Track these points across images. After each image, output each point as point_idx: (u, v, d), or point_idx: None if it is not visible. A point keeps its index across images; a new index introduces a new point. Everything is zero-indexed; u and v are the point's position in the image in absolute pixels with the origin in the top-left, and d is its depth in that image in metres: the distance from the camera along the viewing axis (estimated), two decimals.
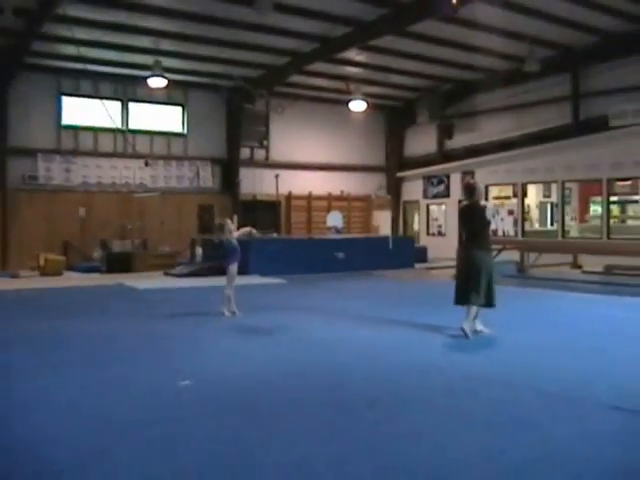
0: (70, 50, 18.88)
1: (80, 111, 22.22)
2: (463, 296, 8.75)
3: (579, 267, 19.37)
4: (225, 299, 10.81)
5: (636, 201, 23.27)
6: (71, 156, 21.93)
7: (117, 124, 22.29)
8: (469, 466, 4.32)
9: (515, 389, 6.11)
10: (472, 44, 19.45)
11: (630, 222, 23.50)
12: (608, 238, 20.68)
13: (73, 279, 17.92)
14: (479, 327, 8.76)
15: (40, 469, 4.31)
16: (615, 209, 23.32)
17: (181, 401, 5.80)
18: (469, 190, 9.07)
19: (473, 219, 8.90)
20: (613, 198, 22.39)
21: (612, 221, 21.93)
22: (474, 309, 8.64)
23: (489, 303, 8.70)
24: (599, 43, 20.59)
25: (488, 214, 8.89)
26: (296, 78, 23.05)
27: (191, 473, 4.22)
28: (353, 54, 20.61)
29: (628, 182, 22.72)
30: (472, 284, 8.64)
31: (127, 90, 22.86)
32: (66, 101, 22.10)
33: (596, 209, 23.20)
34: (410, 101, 27.10)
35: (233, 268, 10.97)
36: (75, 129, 22.15)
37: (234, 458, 4.45)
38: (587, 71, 22.00)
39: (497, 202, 22.79)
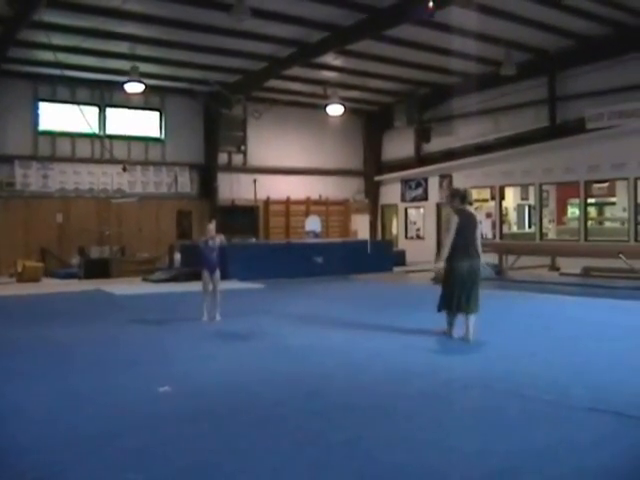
0: (47, 56, 18.80)
1: (57, 117, 22.06)
2: (467, 304, 8.67)
3: (557, 269, 19.50)
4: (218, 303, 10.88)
5: (613, 203, 23.46)
6: (48, 162, 21.78)
7: (94, 130, 22.17)
8: (449, 471, 4.31)
9: (494, 394, 6.12)
10: (448, 48, 19.51)
11: (607, 224, 23.69)
12: (586, 240, 20.86)
13: (51, 285, 17.79)
14: (457, 333, 8.76)
15: None
16: (592, 211, 23.51)
17: (157, 409, 5.75)
18: (462, 196, 8.90)
19: (475, 226, 8.86)
20: (590, 200, 22.59)
21: (589, 223, 22.11)
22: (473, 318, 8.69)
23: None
24: (575, 46, 20.77)
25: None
26: (273, 83, 23.03)
27: None
28: (330, 58, 20.63)
29: (605, 184, 22.90)
30: (476, 292, 8.72)
31: (104, 96, 22.74)
32: (43, 107, 21.95)
33: (574, 211, 23.37)
34: (387, 105, 27.19)
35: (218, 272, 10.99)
36: (52, 135, 22.00)
37: (211, 466, 4.42)
38: (563, 74, 22.17)
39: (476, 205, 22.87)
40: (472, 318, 8.65)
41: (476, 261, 8.82)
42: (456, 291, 8.67)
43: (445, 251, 8.74)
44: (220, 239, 11.02)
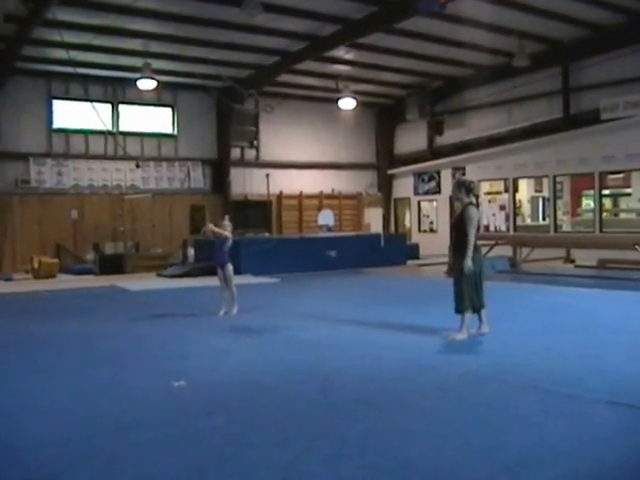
0: (60, 54, 18.88)
1: (71, 114, 22.16)
2: (483, 299, 8.48)
3: (572, 261, 19.41)
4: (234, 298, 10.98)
5: (628, 194, 23.30)
6: (62, 159, 21.90)
7: (107, 126, 22.25)
8: (463, 463, 4.31)
9: (508, 387, 6.09)
10: (461, 40, 19.43)
11: (623, 215, 23.53)
12: (601, 232, 20.70)
13: (67, 281, 17.88)
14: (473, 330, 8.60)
15: (29, 474, 4.27)
16: (607, 202, 23.36)
17: (172, 402, 5.79)
18: (467, 187, 8.44)
19: (481, 220, 8.66)
20: (605, 192, 22.41)
21: (604, 215, 21.96)
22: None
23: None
24: (589, 36, 20.61)
25: None
26: (285, 77, 23.03)
27: (184, 475, 4.20)
28: (342, 52, 20.61)
29: (620, 175, 22.72)
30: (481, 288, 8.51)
31: (117, 92, 22.82)
32: (57, 104, 22.06)
33: (588, 203, 23.20)
34: (399, 98, 27.11)
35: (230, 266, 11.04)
36: (66, 132, 22.11)
37: (227, 459, 4.43)
38: (577, 64, 22.03)
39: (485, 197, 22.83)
40: (484, 311, 8.58)
41: (481, 255, 8.74)
42: (478, 288, 8.40)
43: (471, 248, 8.20)
44: (227, 235, 10.96)
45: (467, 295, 8.32)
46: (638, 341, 8.09)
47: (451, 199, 25.56)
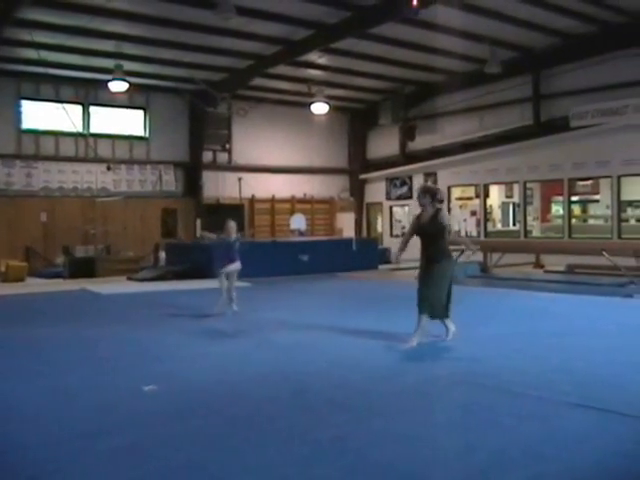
0: (30, 54, 18.71)
1: (41, 115, 21.93)
2: (443, 310, 8.41)
3: (541, 267, 19.58)
4: (226, 298, 11.25)
5: (597, 201, 23.60)
6: (32, 161, 21.65)
7: (78, 128, 22.08)
8: (437, 465, 4.35)
9: (481, 390, 6.15)
10: (433, 46, 19.53)
11: (591, 221, 23.82)
12: (570, 237, 21.01)
13: (36, 285, 17.69)
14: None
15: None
16: (576, 209, 23.64)
17: (144, 407, 5.75)
18: (432, 194, 8.40)
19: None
20: (574, 198, 22.74)
21: (573, 221, 22.25)
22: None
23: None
24: (559, 45, 20.86)
25: None
26: (258, 81, 23.01)
27: (158, 479, 4.20)
28: (315, 57, 20.64)
29: (589, 182, 23.05)
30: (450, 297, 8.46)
31: (88, 94, 22.62)
32: (26, 105, 21.80)
33: (558, 209, 23.50)
34: (372, 103, 27.21)
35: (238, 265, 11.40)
36: (36, 133, 21.87)
37: (201, 463, 4.42)
38: (548, 72, 22.28)
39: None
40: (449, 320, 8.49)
41: (452, 261, 8.83)
42: (449, 295, 8.36)
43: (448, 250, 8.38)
44: (237, 237, 11.68)
45: (429, 300, 8.22)
46: (606, 344, 8.22)
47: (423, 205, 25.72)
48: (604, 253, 15.27)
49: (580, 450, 4.54)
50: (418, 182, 25.91)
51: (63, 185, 22.18)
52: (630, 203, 21.77)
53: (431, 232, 8.25)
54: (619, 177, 19.95)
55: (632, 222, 21.72)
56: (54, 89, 21.58)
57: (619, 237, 19.70)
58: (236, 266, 11.35)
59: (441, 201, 8.47)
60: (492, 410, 5.48)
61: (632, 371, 6.80)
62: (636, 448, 4.61)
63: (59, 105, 21.21)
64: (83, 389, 6.42)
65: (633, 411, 5.31)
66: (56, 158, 22.13)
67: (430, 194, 8.41)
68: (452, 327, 8.45)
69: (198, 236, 12.07)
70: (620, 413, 5.29)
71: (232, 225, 11.69)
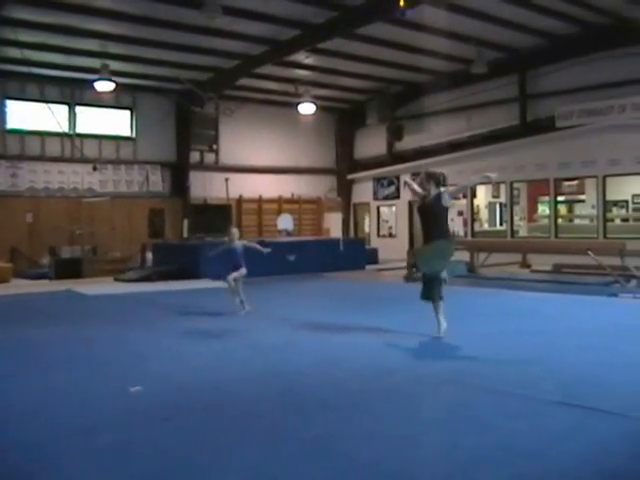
0: (14, 53, 18.61)
1: (26, 115, 21.79)
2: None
3: (528, 266, 19.67)
4: (238, 303, 11.28)
5: (583, 200, 23.73)
6: (17, 161, 21.51)
7: (64, 128, 21.98)
8: (422, 464, 4.36)
9: (466, 389, 6.16)
10: (420, 46, 19.56)
11: (577, 221, 23.96)
12: (556, 237, 21.10)
13: (21, 286, 17.60)
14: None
15: None
16: (562, 209, 23.77)
17: (130, 407, 5.73)
18: (437, 180, 8.69)
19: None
20: (560, 198, 22.86)
21: (560, 220, 22.36)
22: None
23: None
24: (545, 45, 20.94)
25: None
26: (245, 81, 22.98)
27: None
28: (302, 57, 20.63)
29: (575, 182, 23.19)
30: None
31: (74, 94, 22.50)
32: (11, 105, 21.67)
33: (544, 209, 23.62)
34: (359, 103, 27.23)
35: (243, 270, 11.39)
36: (21, 133, 21.73)
37: (186, 463, 4.42)
38: (534, 72, 22.36)
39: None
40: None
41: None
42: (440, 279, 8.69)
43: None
44: (243, 242, 11.78)
45: (427, 278, 8.64)
46: (590, 343, 8.26)
47: (410, 204, 25.81)
48: (590, 253, 15.35)
49: (563, 448, 4.55)
50: (405, 179, 25.98)
51: (49, 185, 22.07)
52: (615, 203, 21.94)
53: (435, 213, 8.59)
54: (604, 177, 20.05)
55: (617, 222, 21.88)
56: (39, 89, 21.45)
57: (604, 237, 19.79)
58: (241, 272, 11.33)
59: (444, 185, 8.72)
60: (477, 409, 5.50)
61: (615, 370, 6.84)
62: (619, 445, 4.64)
63: (44, 105, 21.09)
64: (68, 389, 6.39)
65: (616, 409, 5.33)
66: (42, 158, 22.01)
67: (434, 179, 8.68)
68: (444, 323, 8.52)
69: (209, 254, 12.30)
70: (603, 411, 5.31)
71: (235, 231, 11.80)
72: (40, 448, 4.73)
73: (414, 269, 8.67)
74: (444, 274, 8.62)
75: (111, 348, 8.60)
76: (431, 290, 8.58)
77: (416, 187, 8.98)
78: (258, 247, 11.77)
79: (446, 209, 8.61)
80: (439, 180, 8.66)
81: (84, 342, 9.04)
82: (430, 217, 8.65)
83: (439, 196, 8.53)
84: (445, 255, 8.72)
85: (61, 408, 5.74)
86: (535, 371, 6.76)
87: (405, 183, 9.77)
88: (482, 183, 9.57)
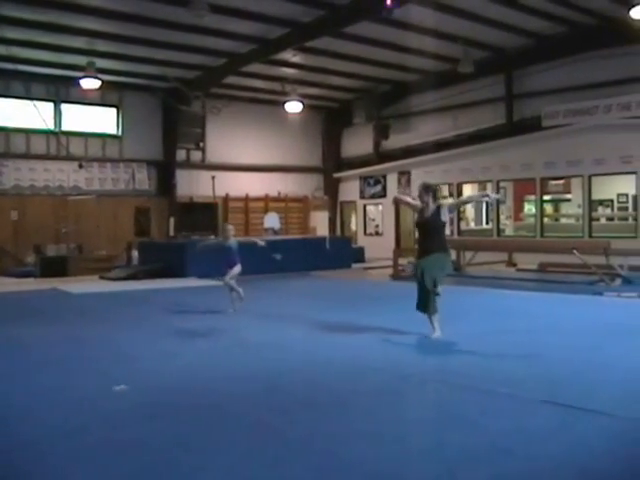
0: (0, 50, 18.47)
1: (11, 112, 21.66)
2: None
3: (514, 265, 19.72)
4: (235, 296, 11.32)
5: (568, 200, 23.83)
6: (2, 159, 21.37)
7: (50, 126, 21.88)
8: (406, 463, 4.37)
9: (450, 388, 6.19)
10: (407, 45, 19.58)
11: (563, 220, 24.05)
12: (542, 236, 21.19)
13: (5, 284, 17.47)
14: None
15: None
16: (549, 208, 23.86)
17: (115, 406, 5.71)
18: (434, 192, 8.75)
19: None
20: (546, 197, 22.95)
21: (546, 219, 22.45)
22: None
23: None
24: (532, 45, 21.01)
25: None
26: (232, 79, 22.93)
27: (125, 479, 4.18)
28: (289, 55, 20.59)
29: (561, 181, 23.28)
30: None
31: (60, 91, 22.38)
32: None
33: (530, 208, 23.69)
34: (346, 102, 27.22)
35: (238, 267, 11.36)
36: (6, 131, 21.57)
37: (169, 462, 4.41)
38: (520, 72, 22.43)
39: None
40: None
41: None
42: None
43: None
44: (237, 240, 11.73)
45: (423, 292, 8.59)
46: (575, 342, 8.31)
47: (396, 203, 25.83)
48: (575, 252, 15.41)
49: (546, 446, 4.57)
50: (392, 181, 26.07)
51: (34, 183, 21.95)
52: (601, 202, 22.03)
53: (434, 226, 8.66)
54: (590, 176, 20.15)
55: (603, 221, 21.97)
56: (24, 86, 21.35)
57: (590, 236, 19.89)
58: (236, 270, 11.31)
59: (437, 198, 8.81)
60: (461, 407, 5.52)
61: (600, 368, 6.89)
62: (601, 444, 4.66)
63: (30, 102, 20.97)
64: (50, 389, 6.36)
65: (601, 408, 5.36)
66: (27, 156, 21.88)
67: (432, 192, 8.74)
68: (438, 331, 8.51)
69: (198, 248, 12.20)
70: (588, 410, 5.34)
71: (230, 228, 11.72)
72: (27, 448, 4.72)
73: (419, 277, 8.57)
74: (440, 288, 8.62)
75: (97, 347, 8.56)
76: (427, 302, 8.55)
77: (410, 200, 9.12)
78: (253, 240, 11.73)
79: (444, 223, 8.76)
80: (435, 192, 8.78)
81: (70, 341, 9.00)
82: (430, 231, 8.70)
83: (438, 211, 8.59)
84: (444, 268, 8.78)
85: (39, 409, 5.71)
86: (520, 370, 6.79)
87: (396, 200, 9.82)
88: (481, 201, 9.61)
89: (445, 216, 8.68)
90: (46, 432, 5.07)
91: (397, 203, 9.27)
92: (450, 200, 9.02)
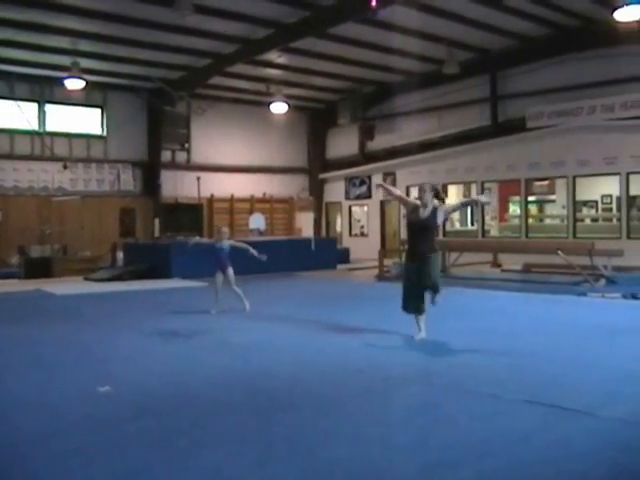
0: None
1: None
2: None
3: (499, 266, 19.78)
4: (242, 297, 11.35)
5: (553, 201, 23.92)
6: None
7: (34, 126, 21.77)
8: (388, 463, 4.36)
9: (433, 389, 6.19)
10: (392, 46, 19.63)
11: (548, 221, 24.15)
12: (527, 237, 21.27)
13: None
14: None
15: None
16: (533, 208, 23.95)
17: (98, 407, 5.68)
18: (437, 192, 8.70)
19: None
20: (531, 198, 23.04)
21: (530, 220, 22.53)
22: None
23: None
24: (516, 46, 21.12)
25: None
26: (217, 80, 22.90)
27: None
28: (274, 56, 20.60)
29: (545, 182, 23.36)
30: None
31: (44, 91, 22.29)
32: None
33: (515, 209, 23.77)
34: (332, 103, 27.26)
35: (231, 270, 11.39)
36: None
37: (153, 463, 4.39)
38: (505, 73, 22.54)
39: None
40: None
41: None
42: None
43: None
44: (230, 242, 11.69)
45: (414, 294, 8.56)
46: (558, 342, 8.34)
47: (382, 203, 25.89)
48: (559, 252, 15.47)
49: (528, 446, 4.59)
50: (377, 182, 26.05)
51: (18, 184, 21.84)
52: (585, 203, 22.13)
53: (428, 227, 8.59)
54: (574, 177, 20.25)
55: (587, 222, 22.07)
56: (8, 86, 21.26)
57: (574, 236, 20.00)
58: (231, 274, 11.37)
59: (442, 199, 8.78)
60: (443, 408, 5.52)
61: (583, 368, 6.91)
62: (582, 443, 4.68)
63: (13, 102, 20.86)
64: (33, 391, 6.31)
65: (584, 408, 5.38)
66: (11, 157, 21.78)
67: (434, 192, 8.66)
68: (423, 333, 8.51)
69: (189, 243, 12.10)
70: (567, 409, 5.36)
71: (225, 231, 11.71)
72: (5, 449, 4.68)
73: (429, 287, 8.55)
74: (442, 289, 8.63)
75: (79, 349, 8.49)
76: (419, 303, 8.55)
77: (402, 195, 9.13)
78: (245, 246, 11.61)
79: (438, 226, 8.86)
80: (438, 192, 8.70)
81: (51, 342, 8.93)
82: (423, 232, 8.59)
83: (434, 213, 8.49)
84: (435, 269, 8.69)
85: (20, 411, 5.67)
86: (502, 370, 6.81)
87: (385, 190, 9.65)
88: (476, 204, 9.56)
89: (440, 219, 8.63)
90: (25, 434, 5.02)
91: (386, 193, 9.20)
92: (448, 203, 8.93)
